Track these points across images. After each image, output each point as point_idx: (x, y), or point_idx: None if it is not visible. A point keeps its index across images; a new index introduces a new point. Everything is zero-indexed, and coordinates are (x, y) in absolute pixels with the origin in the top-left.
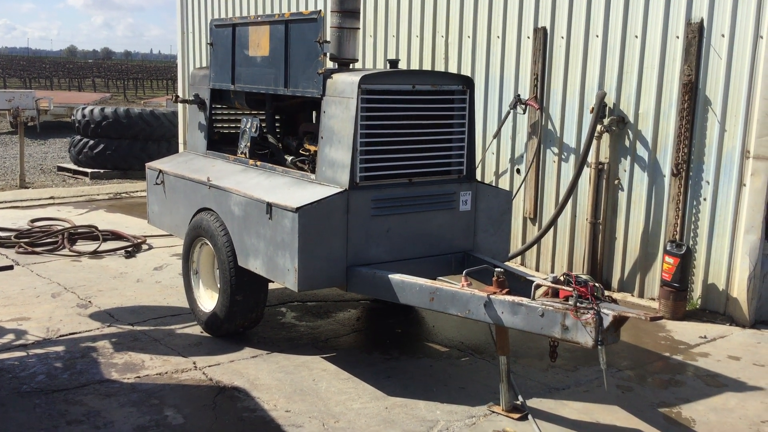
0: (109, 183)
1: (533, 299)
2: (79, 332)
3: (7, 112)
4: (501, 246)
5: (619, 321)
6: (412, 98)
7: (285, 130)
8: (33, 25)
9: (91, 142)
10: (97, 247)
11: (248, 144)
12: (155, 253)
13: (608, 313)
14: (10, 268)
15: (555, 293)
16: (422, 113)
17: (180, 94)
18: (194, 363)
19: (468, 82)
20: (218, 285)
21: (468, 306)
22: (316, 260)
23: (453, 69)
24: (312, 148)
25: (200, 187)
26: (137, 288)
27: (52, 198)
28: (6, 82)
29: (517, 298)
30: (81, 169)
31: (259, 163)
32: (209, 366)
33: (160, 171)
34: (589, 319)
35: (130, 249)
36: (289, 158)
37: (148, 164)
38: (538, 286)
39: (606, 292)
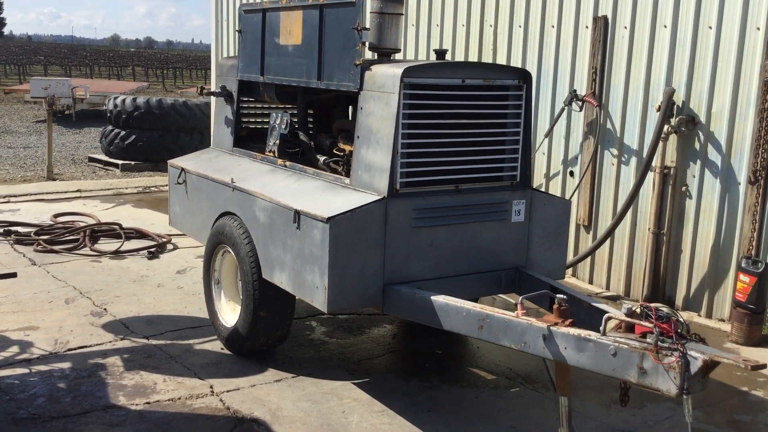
0: (139, 175)
1: (603, 334)
2: (90, 346)
3: (43, 100)
4: (557, 262)
5: (710, 366)
6: (461, 94)
7: (318, 127)
8: (78, 14)
9: (123, 132)
10: (119, 247)
11: (277, 141)
12: (179, 254)
13: (697, 357)
14: (13, 275)
15: (629, 327)
16: (472, 111)
17: (212, 85)
18: (211, 387)
19: (525, 77)
20: (241, 297)
21: (524, 338)
22: (349, 277)
23: (502, 62)
24: (347, 147)
25: (223, 188)
26: (157, 294)
27: (78, 191)
28: (47, 70)
29: (583, 332)
30: (112, 160)
31: (288, 163)
32: (227, 391)
33: (182, 169)
34: (673, 362)
35: (153, 249)
36: (322, 158)
37: (170, 161)
38: (610, 318)
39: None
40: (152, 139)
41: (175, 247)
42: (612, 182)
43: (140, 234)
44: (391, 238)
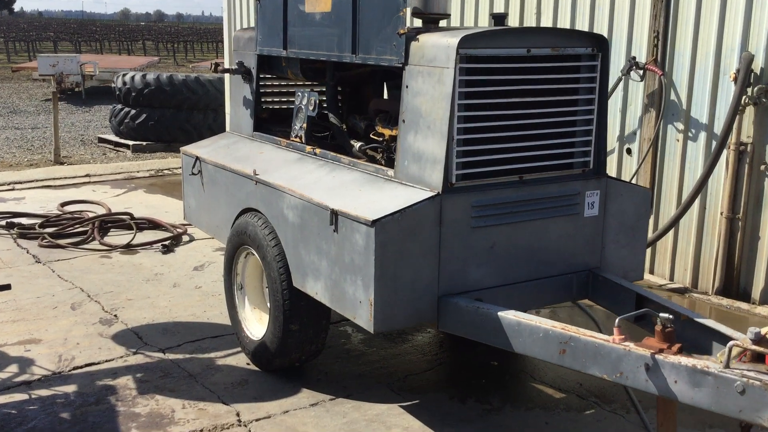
0: (152, 157)
1: (727, 365)
2: (98, 362)
3: (51, 78)
4: (635, 260)
5: None
6: (526, 67)
7: (350, 107)
8: None
9: (133, 111)
10: (131, 240)
11: (304, 125)
12: (196, 247)
13: None
14: (7, 287)
15: (757, 356)
16: (537, 87)
17: (226, 61)
18: (237, 414)
19: (601, 44)
20: (268, 305)
21: (620, 367)
22: (399, 290)
23: (546, 26)
24: (387, 132)
25: (245, 181)
26: (173, 296)
27: (87, 176)
28: (57, 46)
29: (699, 362)
30: (122, 141)
31: (318, 150)
32: (256, 420)
33: (197, 158)
34: None
35: (167, 242)
36: (357, 144)
37: (183, 149)
38: (735, 345)
39: None
40: (164, 117)
41: (192, 239)
42: (677, 160)
43: (153, 224)
44: (446, 241)
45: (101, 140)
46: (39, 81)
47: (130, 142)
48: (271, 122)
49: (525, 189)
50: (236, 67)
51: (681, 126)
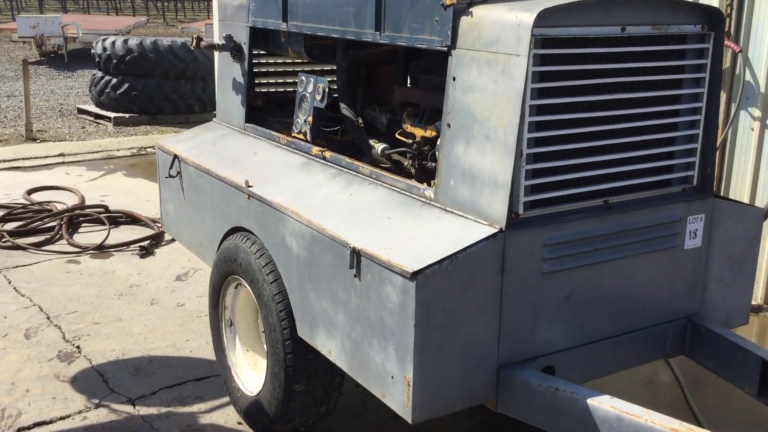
0: (134, 130)
1: None
2: (49, 421)
3: (32, 40)
4: (740, 301)
5: None
6: (618, 52)
7: (366, 95)
8: None
9: (114, 80)
10: (104, 241)
11: (309, 118)
12: (179, 248)
13: None
14: None
15: None
16: (631, 79)
17: (215, 34)
18: None
19: (714, 20)
20: (264, 347)
21: None
22: (446, 364)
23: None
24: (419, 132)
25: (234, 193)
26: (150, 317)
27: (61, 155)
28: (43, 5)
29: None
30: (103, 112)
31: (328, 153)
32: None
33: (176, 157)
34: None
35: (146, 243)
36: (379, 146)
37: (159, 144)
38: None
39: None
40: (148, 87)
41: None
42: (751, 152)
43: (131, 218)
44: (510, 293)
45: (81, 111)
46: (19, 43)
47: (112, 114)
48: (266, 110)
49: (612, 217)
50: (223, 42)
51: (758, 113)
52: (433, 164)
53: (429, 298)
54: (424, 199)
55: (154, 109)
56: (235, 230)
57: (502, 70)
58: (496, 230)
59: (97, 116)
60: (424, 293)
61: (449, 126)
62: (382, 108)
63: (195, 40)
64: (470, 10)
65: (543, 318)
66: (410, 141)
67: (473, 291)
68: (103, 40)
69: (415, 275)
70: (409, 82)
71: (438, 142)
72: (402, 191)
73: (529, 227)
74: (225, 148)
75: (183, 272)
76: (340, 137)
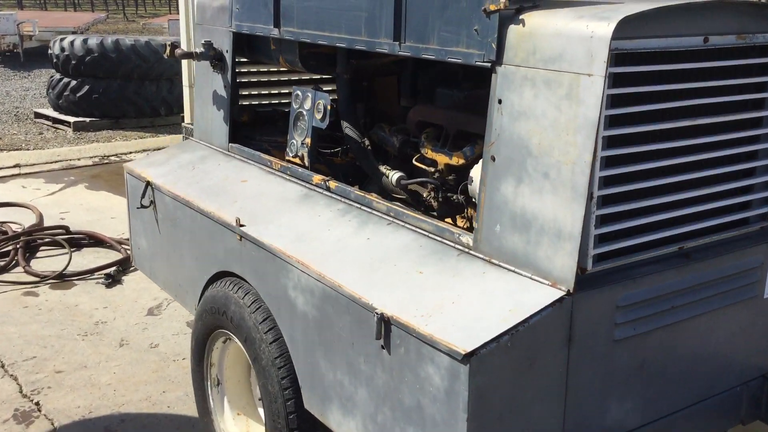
0: (96, 137)
1: None
2: None
3: None
4: None
5: None
6: (698, 69)
7: (369, 110)
8: None
9: (73, 82)
10: (65, 268)
11: (307, 140)
12: None
13: None
14: None
15: None
16: (711, 100)
17: (181, 20)
18: None
19: None
20: (260, 412)
21: None
22: None
23: None
24: (441, 158)
25: (221, 231)
26: (120, 363)
27: (17, 167)
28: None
29: None
30: (62, 117)
31: (333, 183)
32: None
33: (149, 184)
34: None
35: (112, 271)
36: (393, 175)
37: (128, 167)
38: None
39: None
40: (110, 89)
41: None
42: None
43: (95, 240)
44: (577, 369)
45: (38, 115)
46: None
47: (71, 119)
48: (253, 128)
49: (689, 268)
50: (202, 49)
51: None
52: (461, 198)
53: (485, 383)
54: (460, 247)
55: (117, 112)
56: (222, 274)
57: (567, 93)
58: (562, 293)
59: (56, 121)
60: (480, 378)
61: (494, 159)
62: (392, 128)
63: (168, 49)
64: (521, 17)
65: (612, 394)
66: (434, 170)
67: (536, 370)
68: (61, 39)
69: (468, 357)
70: (421, 95)
71: (472, 174)
72: (431, 235)
73: (599, 286)
74: (206, 173)
75: (155, 304)
76: (339, 159)
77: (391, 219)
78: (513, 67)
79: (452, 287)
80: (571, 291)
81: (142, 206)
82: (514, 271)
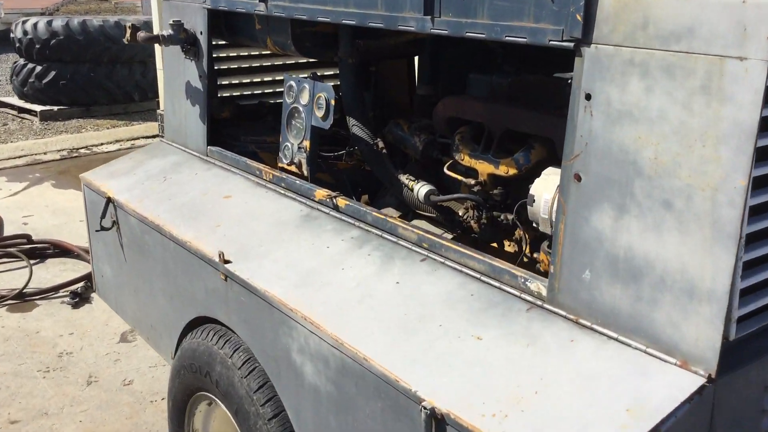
0: (65, 127)
1: None
2: None
3: None
4: None
5: None
6: None
7: (377, 99)
8: None
9: (39, 68)
10: (25, 286)
11: (306, 143)
12: None
13: None
14: None
15: None
16: None
17: (155, 22)
18: None
19: None
20: None
21: None
22: None
23: None
24: (484, 167)
25: (200, 265)
26: (87, 406)
27: None
28: None
29: None
30: (28, 105)
31: (342, 201)
32: None
33: (110, 201)
34: None
35: (79, 288)
36: (421, 188)
37: (86, 178)
38: None
39: None
40: (78, 74)
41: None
42: None
43: (60, 249)
44: None
45: (2, 105)
46: None
47: (38, 108)
48: (236, 125)
49: None
50: (170, 31)
51: None
52: (511, 218)
53: None
54: (529, 297)
55: (87, 99)
56: (203, 320)
57: (704, 86)
58: (701, 379)
59: (21, 110)
60: None
61: (578, 179)
62: (411, 125)
63: (129, 31)
64: None
65: None
66: (472, 181)
67: None
68: (24, 21)
69: None
70: (444, 82)
71: (534, 192)
72: (483, 277)
73: (746, 362)
74: (180, 186)
75: (129, 328)
76: (344, 162)
77: (424, 252)
78: (610, 47)
79: (530, 365)
80: (713, 376)
81: (103, 228)
82: (617, 340)
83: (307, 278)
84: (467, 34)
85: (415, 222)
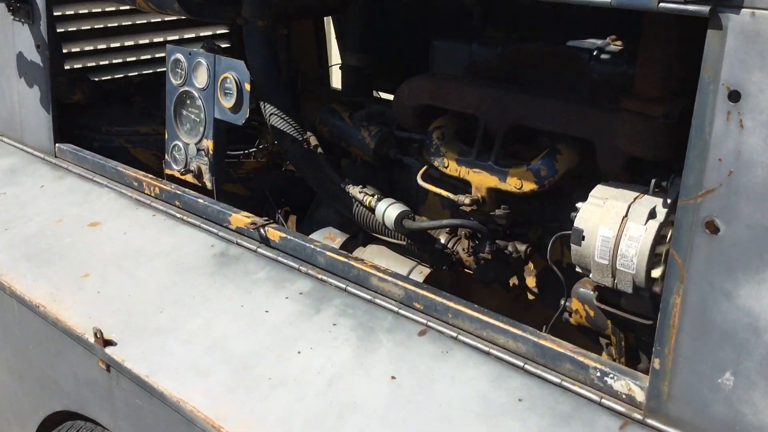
0: None
1: None
2: None
3: None
4: None
5: None
6: None
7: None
8: None
9: None
10: None
11: (209, 143)
12: None
13: None
14: None
15: None
16: None
17: None
18: None
19: None
20: None
21: None
22: None
23: None
24: (480, 179)
25: (66, 344)
26: None
27: None
28: None
29: None
30: None
31: (274, 232)
32: None
33: None
34: None
35: None
36: (389, 210)
37: None
38: None
39: None
40: None
41: None
42: None
43: None
44: None
45: None
46: None
47: None
48: (94, 110)
49: None
50: None
51: None
52: (522, 249)
53: None
54: (616, 404)
55: None
56: (69, 416)
57: None
58: None
59: None
60: None
61: (716, 229)
62: (354, 113)
63: None
64: None
65: None
66: (464, 199)
67: None
68: None
69: None
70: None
71: (582, 225)
72: (529, 365)
73: None
74: (21, 208)
75: None
76: (254, 161)
77: (421, 319)
78: None
79: None
80: None
81: None
82: None
83: (244, 374)
84: None
85: (372, 249)
